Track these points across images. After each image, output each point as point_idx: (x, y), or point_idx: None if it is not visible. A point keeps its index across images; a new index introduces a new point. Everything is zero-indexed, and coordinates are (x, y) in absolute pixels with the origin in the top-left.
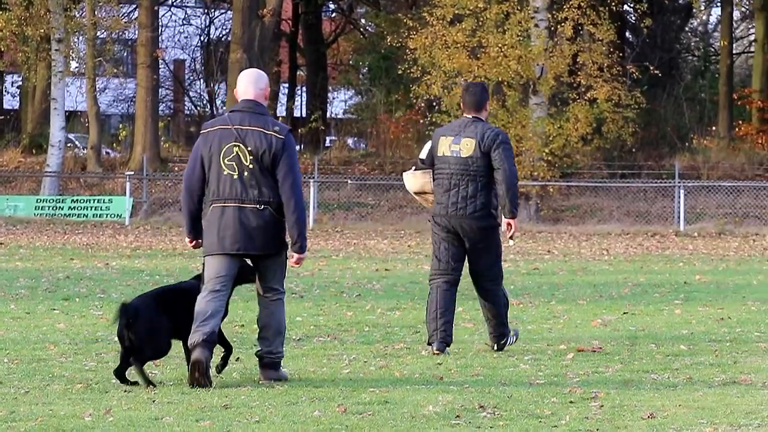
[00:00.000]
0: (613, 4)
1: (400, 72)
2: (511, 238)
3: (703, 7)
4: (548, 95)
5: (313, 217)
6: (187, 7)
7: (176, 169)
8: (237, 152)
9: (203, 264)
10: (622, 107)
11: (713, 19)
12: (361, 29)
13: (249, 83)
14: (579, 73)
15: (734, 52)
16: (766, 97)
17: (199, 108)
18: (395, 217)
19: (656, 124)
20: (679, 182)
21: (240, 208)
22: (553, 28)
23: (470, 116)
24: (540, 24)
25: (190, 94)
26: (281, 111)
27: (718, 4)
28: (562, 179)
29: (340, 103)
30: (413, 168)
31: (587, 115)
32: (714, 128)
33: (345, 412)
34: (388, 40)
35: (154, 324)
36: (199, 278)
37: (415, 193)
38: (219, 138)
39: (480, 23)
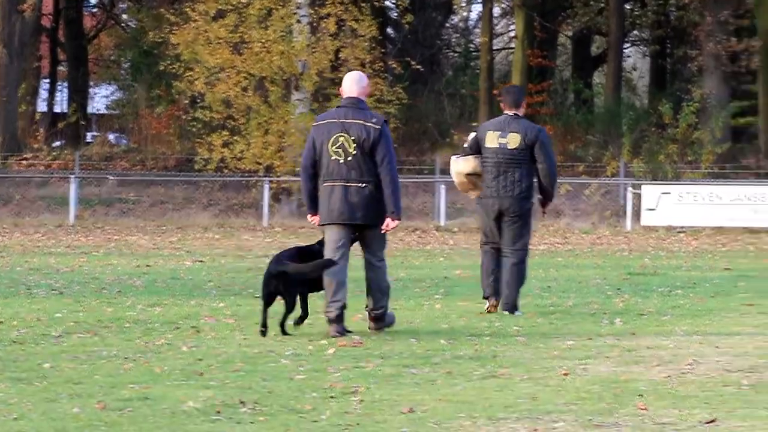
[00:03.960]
0: (375, 0)
1: (162, 68)
2: (544, 213)
3: (463, 4)
4: (311, 91)
5: (74, 214)
6: None
7: None
8: (343, 141)
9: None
10: (384, 103)
11: (474, 15)
12: (123, 24)
13: (353, 83)
14: (341, 68)
15: (494, 48)
16: (526, 92)
17: None
18: (157, 213)
19: (418, 120)
20: (440, 178)
21: (345, 187)
22: (315, 24)
23: (511, 113)
24: (302, 20)
25: None
26: (42, 106)
27: (479, 0)
28: None
29: (102, 98)
30: (460, 154)
31: None
32: (475, 124)
33: (104, 409)
34: (150, 35)
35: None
36: (321, 243)
37: (468, 174)
38: (328, 129)
39: (243, 19)
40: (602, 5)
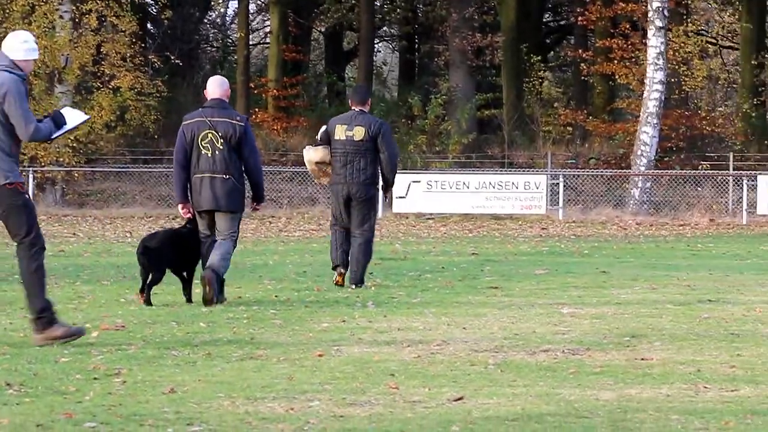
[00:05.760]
0: None
1: None
2: (386, 198)
3: (221, 0)
4: (74, 84)
5: None
6: None
7: None
8: (211, 137)
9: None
10: (145, 95)
11: (230, 11)
12: None
13: (216, 86)
14: (103, 62)
15: (251, 43)
16: (282, 86)
17: None
18: None
19: (177, 112)
20: None
21: (212, 178)
22: (77, 20)
23: (357, 109)
24: (65, 15)
25: None
26: None
27: None
28: (87, 165)
29: None
30: (312, 145)
31: (111, 103)
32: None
33: None
34: None
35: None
36: (188, 227)
37: (317, 163)
38: (197, 126)
39: (6, 15)
40: (353, 2)
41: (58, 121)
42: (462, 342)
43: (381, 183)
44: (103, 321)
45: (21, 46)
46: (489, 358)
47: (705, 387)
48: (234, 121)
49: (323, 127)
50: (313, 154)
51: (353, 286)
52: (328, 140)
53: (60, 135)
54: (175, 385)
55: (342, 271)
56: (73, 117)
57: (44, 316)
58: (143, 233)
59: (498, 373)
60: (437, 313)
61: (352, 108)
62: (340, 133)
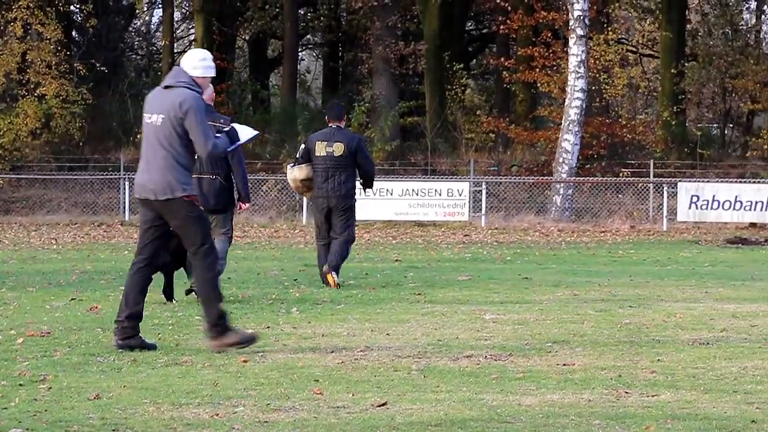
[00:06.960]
0: (60, 4)
1: None
2: (366, 192)
3: (145, 9)
4: None
5: None
6: None
7: None
8: None
9: None
10: (70, 103)
11: (155, 19)
12: None
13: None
14: (28, 70)
15: (176, 51)
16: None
17: None
18: None
19: (102, 119)
20: (123, 174)
21: (200, 179)
22: (2, 28)
23: (335, 125)
24: None
25: None
26: None
27: (160, 5)
28: (12, 172)
29: None
30: (293, 164)
31: (36, 110)
32: None
33: None
34: None
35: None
36: None
37: (302, 180)
38: None
39: None
40: (277, 10)
41: (233, 137)
42: (385, 348)
43: (361, 183)
44: (29, 327)
45: (200, 63)
46: (412, 363)
47: (626, 392)
48: (218, 124)
49: (302, 146)
50: (297, 173)
51: (332, 272)
52: (308, 157)
53: (233, 149)
54: (101, 391)
55: (332, 277)
56: (245, 132)
57: (220, 324)
58: (68, 240)
59: (421, 379)
60: (361, 319)
61: (329, 125)
62: (320, 149)
